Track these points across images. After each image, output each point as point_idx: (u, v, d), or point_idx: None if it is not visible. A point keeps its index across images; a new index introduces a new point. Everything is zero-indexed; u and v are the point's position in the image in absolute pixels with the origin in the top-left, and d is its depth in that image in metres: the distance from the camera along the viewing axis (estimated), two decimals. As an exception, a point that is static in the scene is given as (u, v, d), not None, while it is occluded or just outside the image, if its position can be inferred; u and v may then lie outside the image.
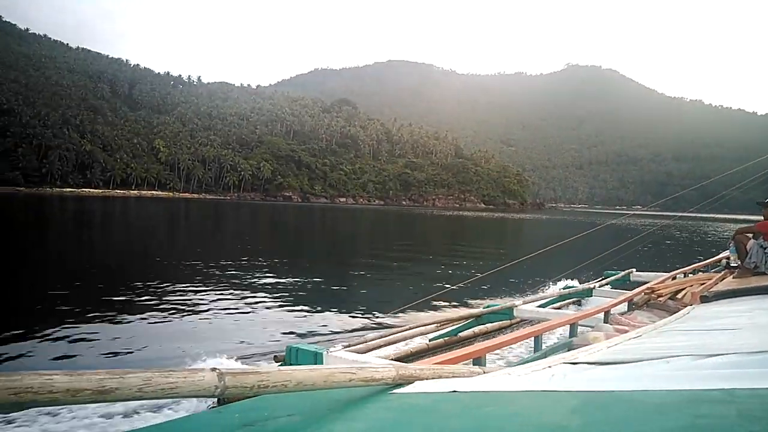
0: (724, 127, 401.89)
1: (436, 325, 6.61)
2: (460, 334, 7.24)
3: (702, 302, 5.36)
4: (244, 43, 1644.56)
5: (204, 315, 10.43)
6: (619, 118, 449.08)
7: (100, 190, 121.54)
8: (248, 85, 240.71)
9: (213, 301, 11.67)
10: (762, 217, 6.88)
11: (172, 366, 1.25)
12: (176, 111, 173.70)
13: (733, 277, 6.71)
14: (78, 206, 61.74)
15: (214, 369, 1.28)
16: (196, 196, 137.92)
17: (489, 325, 7.83)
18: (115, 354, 7.73)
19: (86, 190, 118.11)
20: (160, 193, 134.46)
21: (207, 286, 13.26)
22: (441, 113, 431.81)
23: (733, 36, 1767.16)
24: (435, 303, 11.60)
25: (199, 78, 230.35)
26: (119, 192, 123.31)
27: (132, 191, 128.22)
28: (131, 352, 7.82)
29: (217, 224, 45.40)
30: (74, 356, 7.52)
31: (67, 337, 8.37)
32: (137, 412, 4.94)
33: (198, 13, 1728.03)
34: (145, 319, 9.79)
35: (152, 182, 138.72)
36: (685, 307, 5.45)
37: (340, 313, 11.14)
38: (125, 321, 9.54)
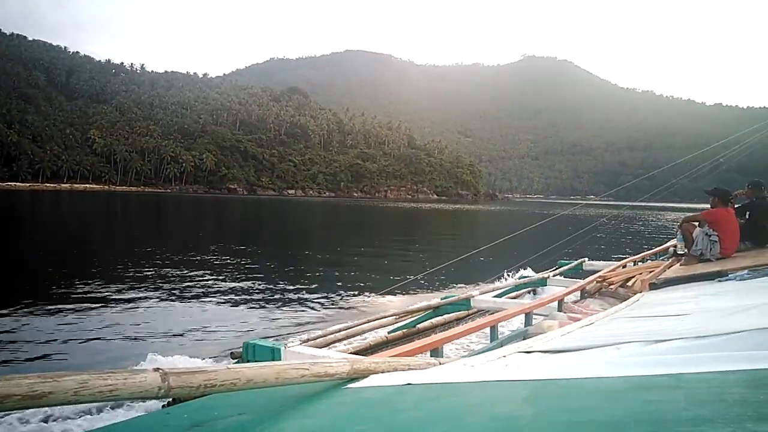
0: (674, 117, 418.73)
1: (395, 317, 6.72)
2: (419, 325, 7.39)
3: (651, 289, 5.58)
4: (197, 32, 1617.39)
5: (155, 313, 10.24)
6: (574, 109, 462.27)
7: (28, 184, 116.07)
8: (194, 73, 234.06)
9: (163, 298, 11.47)
10: (709, 205, 7.25)
11: (117, 368, 1.26)
12: (115, 100, 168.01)
13: (680, 265, 6.97)
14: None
15: (157, 369, 1.24)
16: (133, 189, 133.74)
17: (447, 316, 8.01)
18: (50, 356, 7.50)
19: (11, 183, 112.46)
20: (94, 186, 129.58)
21: (155, 284, 12.98)
22: (399, 104, 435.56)
23: (682, 28, 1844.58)
24: (394, 295, 11.79)
25: (142, 66, 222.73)
26: (49, 185, 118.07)
27: (63, 184, 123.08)
28: (68, 354, 7.60)
29: (154, 219, 44.16)
30: (1, 360, 7.23)
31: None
32: (85, 414, 4.88)
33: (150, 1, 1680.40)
34: (85, 318, 9.51)
35: (86, 175, 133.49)
36: (635, 294, 5.68)
37: (298, 307, 11.18)
38: (60, 321, 9.21)
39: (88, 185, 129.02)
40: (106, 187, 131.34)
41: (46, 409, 4.73)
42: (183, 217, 46.40)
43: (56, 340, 8.20)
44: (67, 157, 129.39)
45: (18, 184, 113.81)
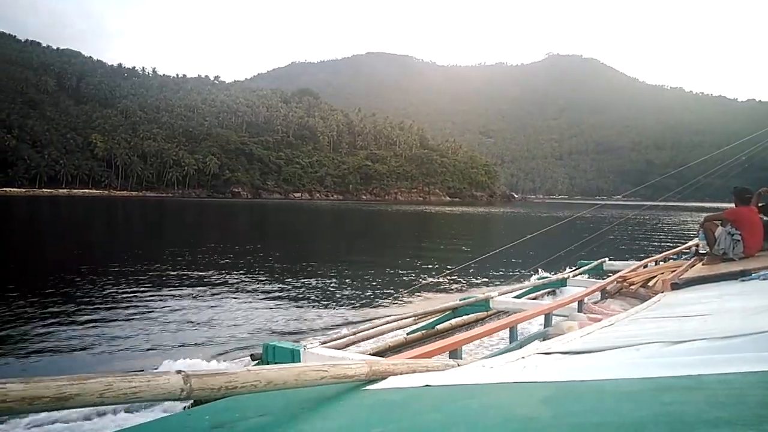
0: (704, 115, 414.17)
1: (413, 318, 6.84)
2: (438, 326, 7.53)
3: (672, 289, 5.64)
4: (221, 38, 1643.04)
5: (174, 316, 10.53)
6: (600, 107, 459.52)
7: (24, 189, 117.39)
8: (206, 76, 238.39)
9: (181, 301, 11.79)
10: (733, 204, 7.28)
11: (140, 369, 1.28)
12: (121, 104, 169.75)
13: (703, 264, 7.05)
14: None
15: (179, 371, 1.30)
16: (134, 193, 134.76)
17: (466, 317, 8.12)
18: (73, 359, 7.79)
19: (6, 189, 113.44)
20: (93, 191, 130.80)
21: (171, 288, 13.35)
22: (420, 105, 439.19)
23: (714, 23, 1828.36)
24: (412, 296, 12.00)
25: (153, 70, 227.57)
26: (46, 191, 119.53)
27: (61, 189, 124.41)
28: (90, 357, 7.90)
29: (155, 223, 44.42)
30: (32, 363, 7.54)
31: (24, 342, 8.34)
32: (106, 414, 5.10)
33: (172, 8, 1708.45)
34: (106, 322, 9.82)
35: (85, 179, 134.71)
36: (656, 294, 5.74)
37: (318, 309, 11.44)
38: (88, 325, 9.55)
39: (87, 190, 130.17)
40: (106, 192, 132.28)
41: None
42: (184, 221, 46.64)
43: (78, 343, 8.52)
44: (66, 162, 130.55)
45: (13, 189, 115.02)
